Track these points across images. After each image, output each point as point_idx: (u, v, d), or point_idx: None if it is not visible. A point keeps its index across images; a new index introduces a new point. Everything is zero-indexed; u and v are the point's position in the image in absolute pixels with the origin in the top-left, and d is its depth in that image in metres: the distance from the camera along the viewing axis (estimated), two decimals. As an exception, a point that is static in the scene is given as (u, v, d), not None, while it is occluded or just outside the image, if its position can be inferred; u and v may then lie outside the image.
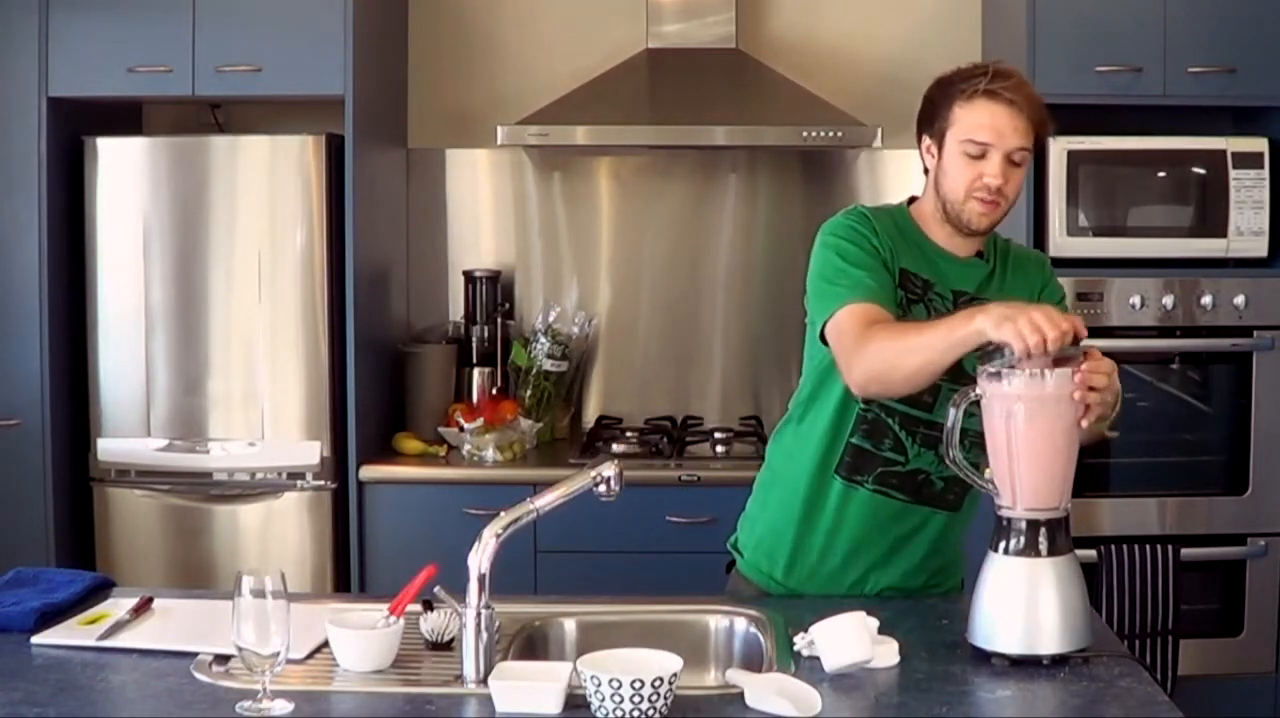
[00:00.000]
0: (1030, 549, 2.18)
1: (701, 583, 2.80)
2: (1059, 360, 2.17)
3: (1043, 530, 2.18)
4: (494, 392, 4.23)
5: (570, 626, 2.45)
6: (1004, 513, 2.21)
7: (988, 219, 2.49)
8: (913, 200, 2.63)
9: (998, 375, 2.18)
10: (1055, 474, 2.19)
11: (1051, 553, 2.17)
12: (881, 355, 2.32)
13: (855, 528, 2.57)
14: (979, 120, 2.45)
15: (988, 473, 2.25)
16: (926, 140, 2.54)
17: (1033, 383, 2.17)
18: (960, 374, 2.45)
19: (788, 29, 4.41)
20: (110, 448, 3.98)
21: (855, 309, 2.39)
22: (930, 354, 2.27)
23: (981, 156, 2.45)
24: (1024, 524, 2.18)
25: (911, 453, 2.53)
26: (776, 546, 2.64)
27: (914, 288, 2.52)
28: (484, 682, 2.05)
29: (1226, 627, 3.96)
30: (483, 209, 4.48)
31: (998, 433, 2.20)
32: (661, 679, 1.92)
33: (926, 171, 2.57)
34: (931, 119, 2.53)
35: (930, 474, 2.53)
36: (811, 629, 2.17)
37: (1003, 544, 2.20)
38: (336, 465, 3.95)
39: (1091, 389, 2.18)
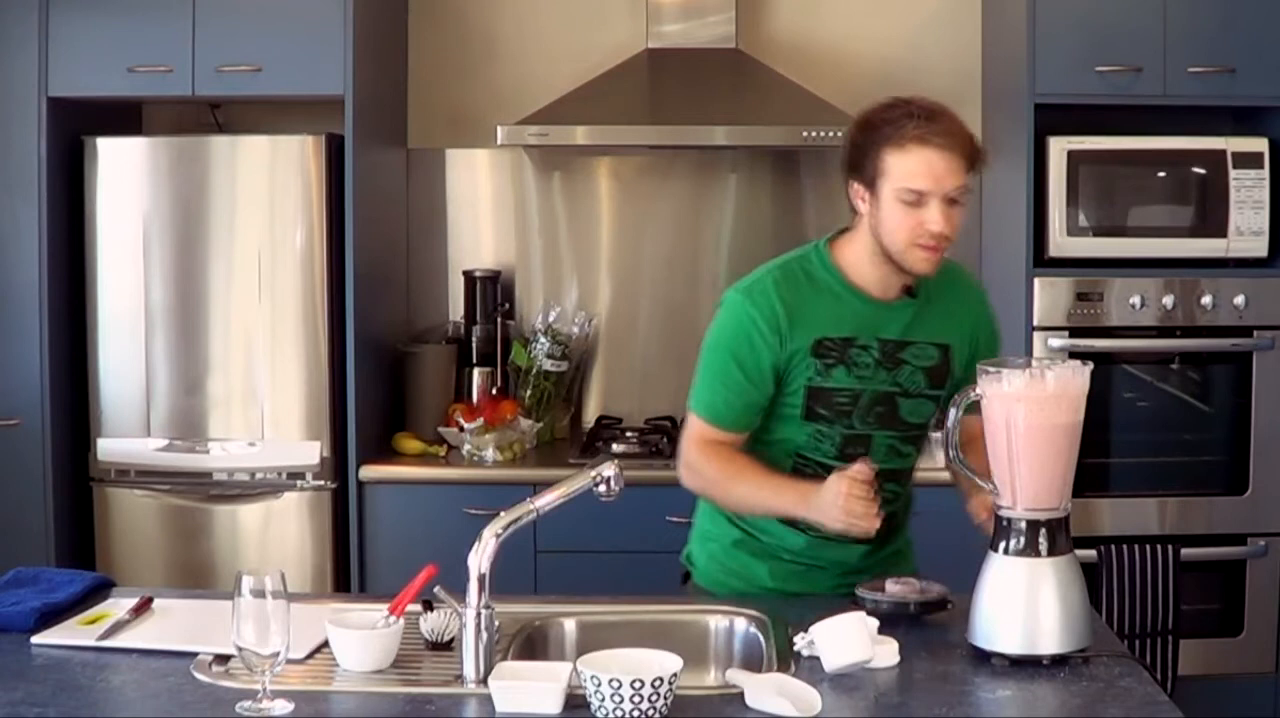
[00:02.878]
0: (1030, 549, 2.18)
1: (701, 583, 2.79)
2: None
3: (1043, 531, 2.18)
4: (494, 392, 4.22)
5: (570, 626, 2.45)
6: (1004, 513, 2.21)
7: (932, 264, 2.42)
8: (840, 232, 2.54)
9: (998, 375, 2.19)
10: (1055, 474, 2.19)
11: (1051, 553, 2.18)
12: (705, 488, 2.61)
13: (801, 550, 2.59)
14: (914, 168, 2.35)
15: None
16: (856, 186, 2.44)
17: (1033, 383, 2.18)
18: (896, 422, 2.51)
19: (787, 29, 4.41)
20: (110, 448, 3.98)
21: (701, 427, 2.57)
22: (752, 505, 2.57)
23: (920, 203, 2.36)
24: (1024, 524, 2.19)
25: None
26: (736, 560, 2.66)
27: (830, 353, 2.47)
28: (484, 682, 2.05)
29: (1226, 627, 3.96)
30: (483, 209, 4.48)
31: (998, 433, 2.20)
32: (661, 679, 1.92)
33: (854, 211, 2.47)
34: (860, 165, 2.42)
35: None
36: (811, 629, 2.17)
37: (1003, 544, 2.20)
38: (336, 465, 3.95)
39: None
